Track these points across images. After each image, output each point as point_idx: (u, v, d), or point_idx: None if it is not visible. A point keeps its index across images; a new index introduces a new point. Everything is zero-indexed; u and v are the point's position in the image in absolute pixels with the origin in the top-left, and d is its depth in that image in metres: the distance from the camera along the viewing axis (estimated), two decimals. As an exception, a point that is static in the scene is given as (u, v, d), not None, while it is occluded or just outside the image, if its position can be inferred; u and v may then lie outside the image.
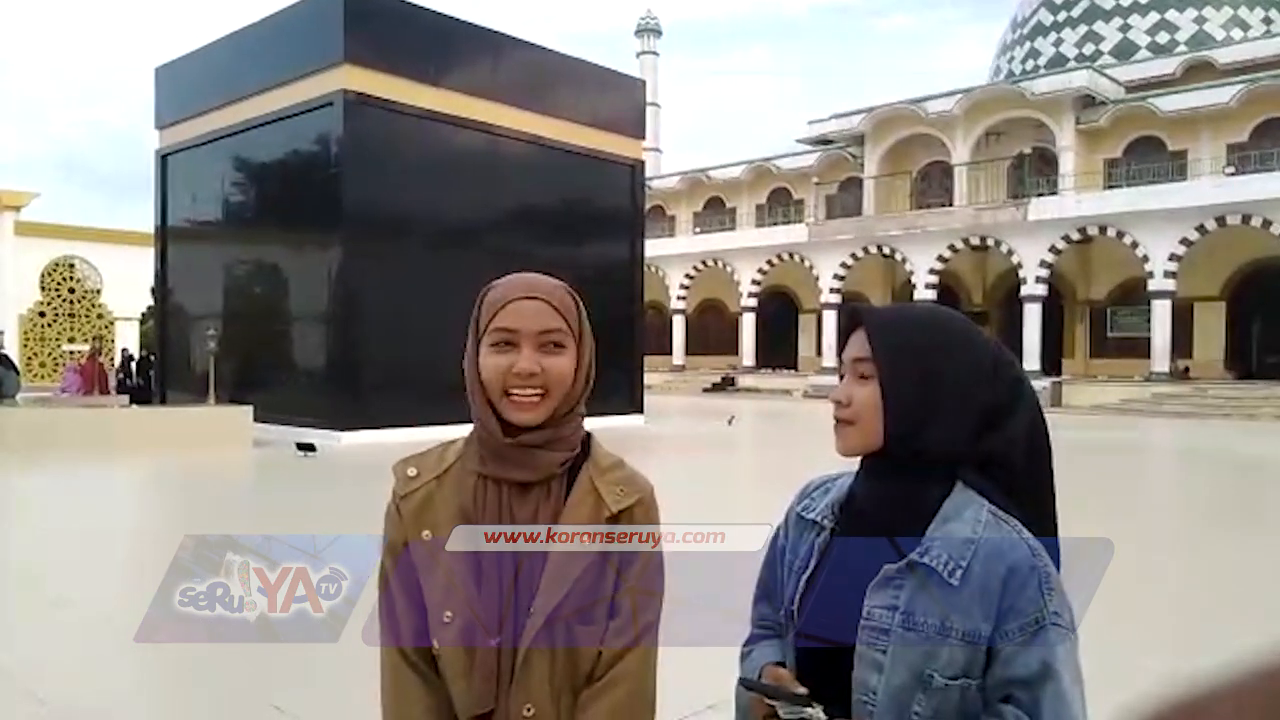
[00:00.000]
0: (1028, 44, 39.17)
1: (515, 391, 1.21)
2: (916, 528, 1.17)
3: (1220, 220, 24.30)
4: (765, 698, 1.20)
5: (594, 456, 1.30)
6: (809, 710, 1.16)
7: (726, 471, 12.49)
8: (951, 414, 1.17)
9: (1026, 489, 1.21)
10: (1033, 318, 27.28)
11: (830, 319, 31.40)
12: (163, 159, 19.09)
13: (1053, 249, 27.13)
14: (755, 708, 1.22)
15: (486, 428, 1.24)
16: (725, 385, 33.14)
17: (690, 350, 37.38)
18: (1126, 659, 4.20)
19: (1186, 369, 26.33)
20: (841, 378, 1.27)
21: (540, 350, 1.22)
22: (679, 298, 37.05)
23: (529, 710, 1.21)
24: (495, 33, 17.33)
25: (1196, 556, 7.14)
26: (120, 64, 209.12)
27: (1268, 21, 35.14)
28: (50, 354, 29.16)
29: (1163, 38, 35.23)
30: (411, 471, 1.29)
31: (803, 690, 1.19)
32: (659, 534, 1.30)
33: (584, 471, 1.28)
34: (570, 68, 18.63)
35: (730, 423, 18.64)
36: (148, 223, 19.87)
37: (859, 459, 1.26)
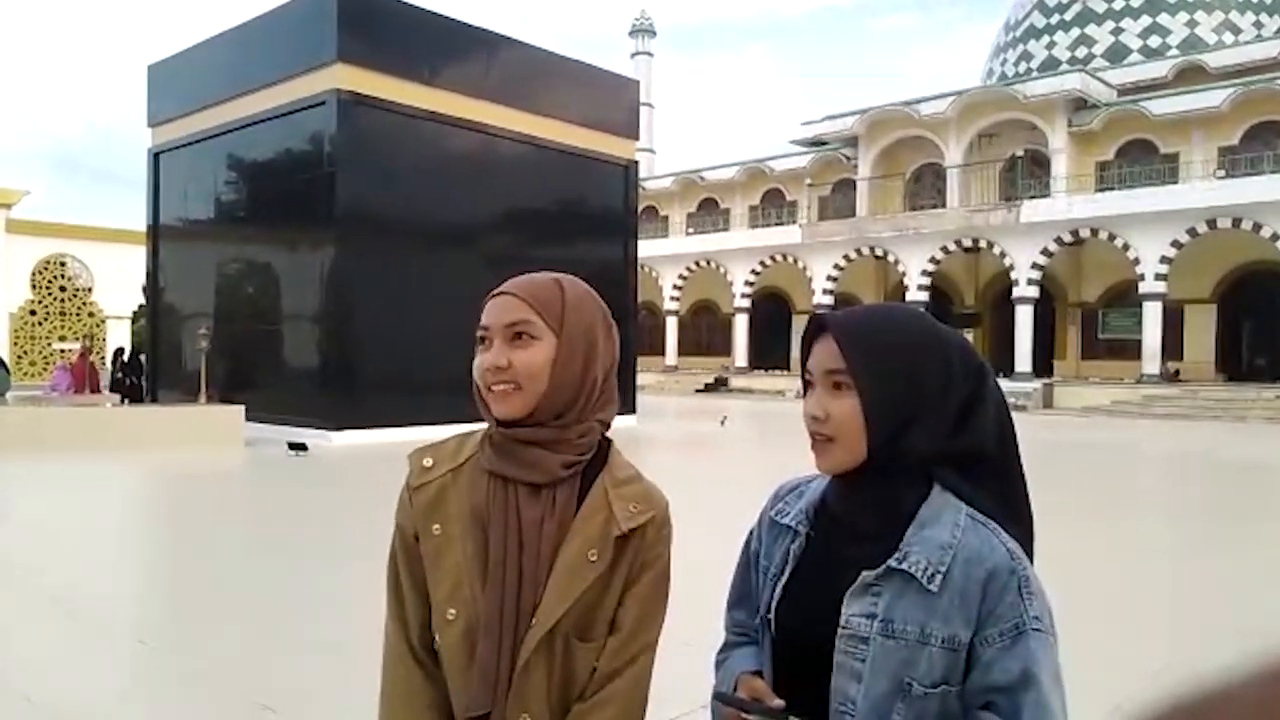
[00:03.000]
0: (1020, 46, 39.31)
1: (493, 386, 1.22)
2: (894, 532, 1.15)
3: (1211, 223, 24.41)
4: (741, 712, 1.17)
5: (611, 466, 1.27)
6: None
7: (719, 471, 12.49)
8: (931, 415, 1.15)
9: (1000, 478, 1.19)
10: (1024, 319, 27.37)
11: (807, 321, 31.47)
12: (155, 157, 19.01)
13: (1045, 251, 27.22)
14: None
15: (487, 422, 1.26)
16: (718, 386, 33.15)
17: (683, 351, 37.40)
18: (1123, 660, 4.21)
19: (1177, 371, 26.43)
20: (806, 387, 1.23)
21: (509, 344, 1.22)
22: (672, 298, 37.05)
23: None
24: (489, 32, 17.31)
25: (1191, 558, 7.17)
26: (116, 58, 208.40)
27: (1258, 26, 35.31)
28: (40, 352, 29.03)
29: (1154, 41, 35.39)
30: (427, 462, 1.28)
31: (779, 703, 1.16)
32: (668, 554, 1.27)
33: (599, 481, 1.25)
34: (564, 68, 18.61)
35: (723, 423, 18.65)
36: (141, 219, 19.76)
37: None
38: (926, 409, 1.15)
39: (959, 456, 1.16)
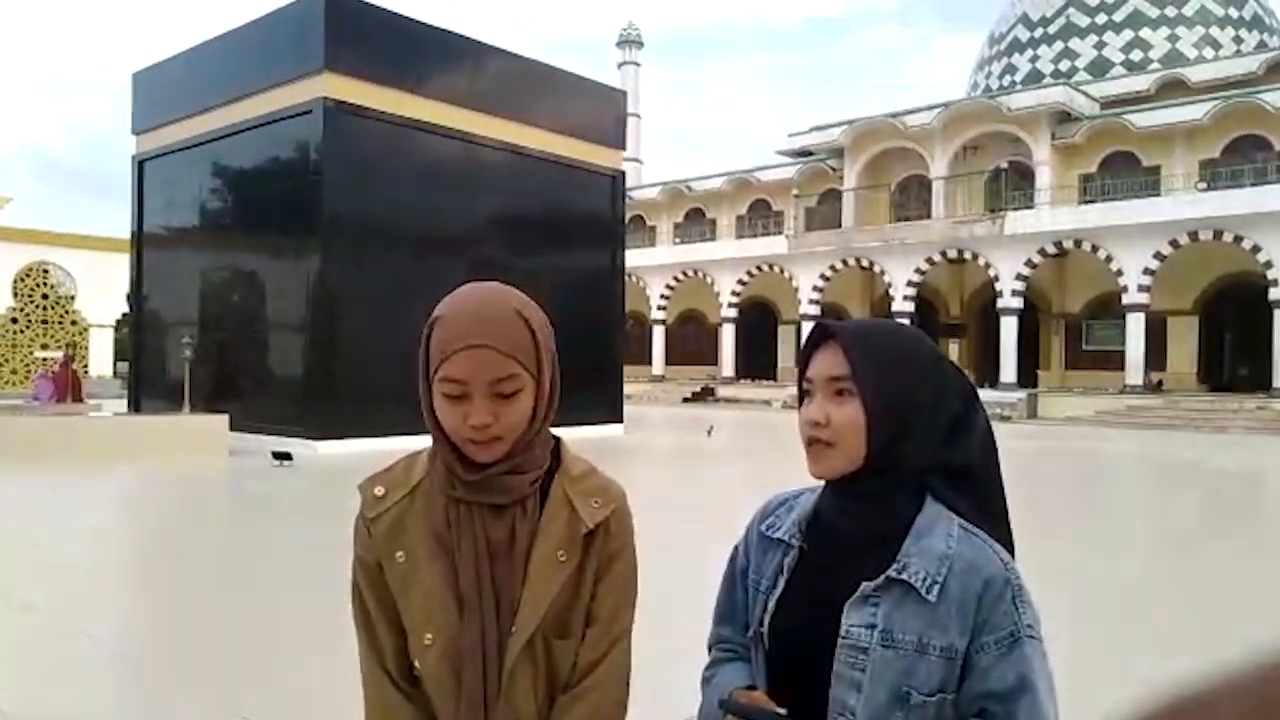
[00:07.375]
0: (1005, 60, 39.64)
1: (473, 438, 1.17)
2: (890, 543, 1.17)
3: (1193, 235, 24.65)
4: (742, 719, 1.19)
5: (564, 465, 1.28)
6: None
7: (706, 481, 12.49)
8: (926, 428, 1.19)
9: (985, 491, 1.23)
10: (1009, 330, 27.54)
11: (810, 330, 31.60)
12: (140, 164, 18.92)
13: (1029, 262, 27.42)
14: None
15: (449, 465, 1.21)
16: (705, 395, 33.18)
17: (670, 360, 37.42)
18: (1118, 660, 4.22)
19: (1159, 381, 26.65)
20: (803, 395, 1.25)
21: (493, 400, 1.17)
22: (659, 308, 37.10)
23: None
24: (476, 42, 17.33)
25: (1180, 562, 7.20)
26: (100, 62, 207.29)
27: (1238, 41, 35.75)
28: (22, 361, 28.77)
29: (1136, 55, 35.76)
30: (379, 491, 1.26)
31: (781, 711, 1.18)
32: (633, 543, 1.29)
33: (556, 482, 1.25)
34: (551, 77, 18.64)
35: (710, 433, 18.66)
36: (125, 226, 19.63)
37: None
38: (923, 421, 1.19)
39: (948, 469, 1.20)
